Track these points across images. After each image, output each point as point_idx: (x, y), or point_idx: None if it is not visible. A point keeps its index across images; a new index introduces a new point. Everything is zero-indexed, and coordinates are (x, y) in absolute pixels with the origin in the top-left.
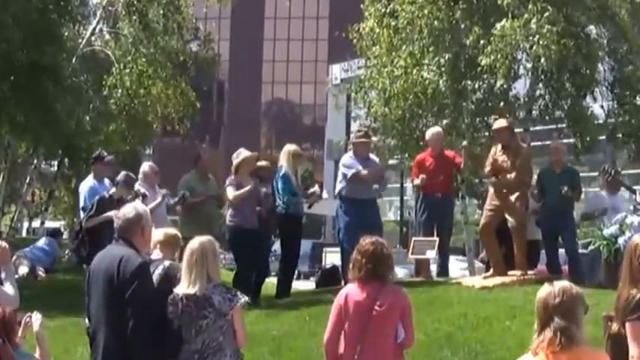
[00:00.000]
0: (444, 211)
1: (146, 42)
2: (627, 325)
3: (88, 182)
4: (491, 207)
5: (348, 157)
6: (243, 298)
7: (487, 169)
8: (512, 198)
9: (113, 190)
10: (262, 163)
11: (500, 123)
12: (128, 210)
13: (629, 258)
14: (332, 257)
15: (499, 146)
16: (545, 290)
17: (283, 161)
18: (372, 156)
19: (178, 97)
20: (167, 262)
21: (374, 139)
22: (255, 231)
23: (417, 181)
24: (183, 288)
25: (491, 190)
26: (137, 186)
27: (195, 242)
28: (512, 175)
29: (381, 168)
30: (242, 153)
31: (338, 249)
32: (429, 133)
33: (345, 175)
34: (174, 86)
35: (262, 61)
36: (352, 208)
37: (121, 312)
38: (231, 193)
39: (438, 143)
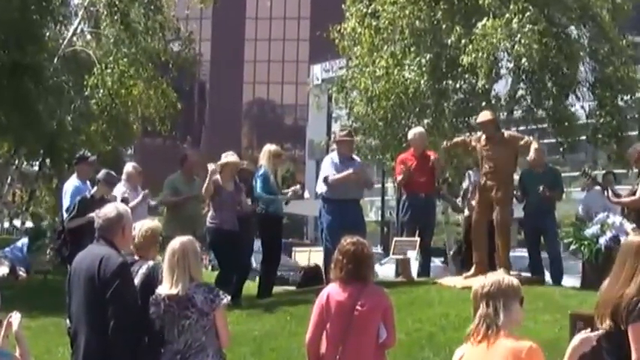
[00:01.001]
0: (427, 212)
1: (127, 42)
2: (630, 328)
3: (72, 182)
4: (480, 201)
5: (329, 159)
6: (226, 298)
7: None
8: (500, 193)
9: (94, 189)
10: (244, 164)
11: (485, 115)
12: (109, 210)
13: (638, 257)
14: (301, 257)
15: (483, 137)
16: (479, 281)
17: (263, 161)
18: (355, 157)
19: (160, 97)
20: (151, 262)
21: (356, 138)
22: (235, 232)
23: (400, 177)
24: (166, 288)
25: (481, 180)
26: (121, 187)
27: (176, 242)
28: (494, 165)
29: (358, 171)
30: (229, 156)
31: (307, 249)
32: (412, 134)
33: (324, 179)
34: (156, 86)
35: (244, 62)
36: (335, 209)
37: (101, 312)
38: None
39: (420, 143)
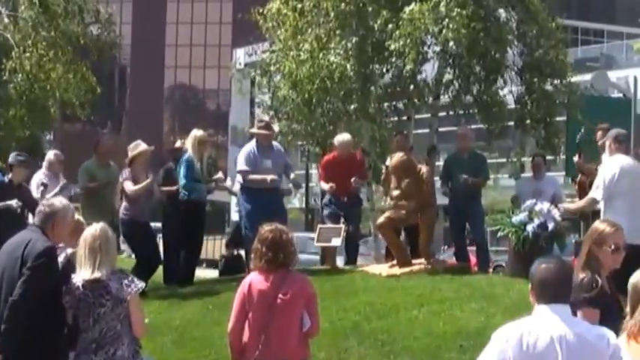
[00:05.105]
0: (351, 212)
1: (46, 25)
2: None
3: None
4: (393, 212)
5: (248, 147)
6: (140, 284)
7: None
8: (417, 212)
9: (11, 174)
10: (178, 144)
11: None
12: (49, 202)
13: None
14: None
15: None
16: (637, 275)
17: (188, 146)
18: (276, 144)
19: (79, 81)
20: (69, 251)
21: (276, 128)
22: (147, 223)
23: (326, 187)
24: (87, 274)
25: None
26: (40, 174)
27: (96, 228)
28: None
29: (274, 179)
30: (139, 146)
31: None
32: (337, 141)
33: (240, 171)
34: (75, 70)
35: (165, 45)
36: (253, 197)
37: None
38: (129, 187)
39: (345, 150)
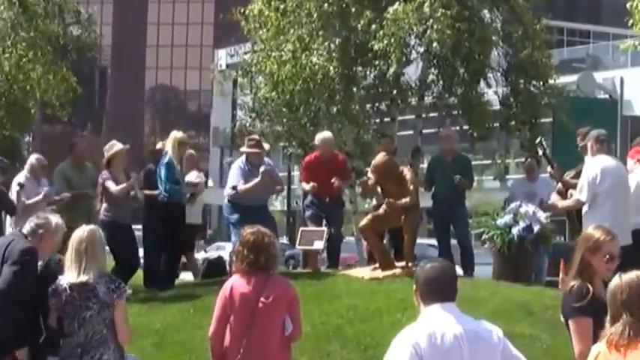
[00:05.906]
0: (332, 213)
1: (26, 26)
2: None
3: None
4: (377, 215)
5: (238, 163)
6: (127, 289)
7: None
8: (400, 217)
9: None
10: (158, 145)
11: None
12: (45, 216)
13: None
14: None
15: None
16: (614, 282)
17: (168, 148)
18: (266, 159)
19: (59, 82)
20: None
21: (265, 146)
22: (130, 226)
23: (307, 187)
24: (72, 277)
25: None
26: (21, 176)
27: (84, 231)
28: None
29: (265, 172)
30: (115, 146)
31: None
32: (318, 139)
33: (233, 187)
34: (55, 71)
35: (146, 46)
36: (241, 210)
37: None
38: (112, 187)
39: (327, 149)
